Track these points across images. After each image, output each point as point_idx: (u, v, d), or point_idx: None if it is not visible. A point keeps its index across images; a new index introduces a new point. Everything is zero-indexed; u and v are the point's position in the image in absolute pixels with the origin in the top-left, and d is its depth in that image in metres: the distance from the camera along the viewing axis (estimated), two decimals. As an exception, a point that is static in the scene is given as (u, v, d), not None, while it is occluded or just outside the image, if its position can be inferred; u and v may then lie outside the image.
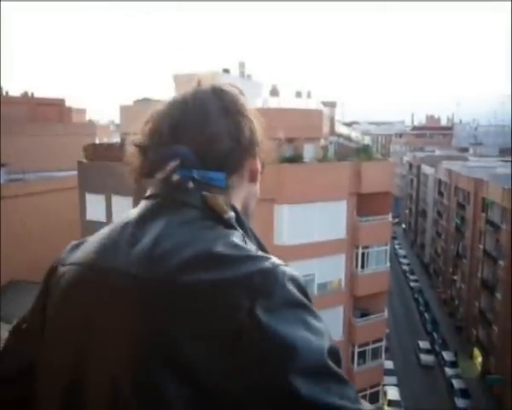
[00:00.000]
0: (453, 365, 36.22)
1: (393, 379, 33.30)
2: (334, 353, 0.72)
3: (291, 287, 0.74)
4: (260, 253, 0.79)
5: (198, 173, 0.85)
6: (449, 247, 48.51)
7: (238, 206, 0.90)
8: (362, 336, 23.04)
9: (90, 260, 0.82)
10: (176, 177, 0.84)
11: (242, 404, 0.67)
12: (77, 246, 0.88)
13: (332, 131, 27.77)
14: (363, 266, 22.92)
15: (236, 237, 0.80)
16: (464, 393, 32.41)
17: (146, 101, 42.40)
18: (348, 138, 30.46)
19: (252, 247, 0.80)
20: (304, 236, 20.12)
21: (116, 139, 39.58)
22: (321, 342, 0.71)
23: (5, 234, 21.95)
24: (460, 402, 31.60)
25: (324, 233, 20.77)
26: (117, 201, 20.08)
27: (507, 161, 46.61)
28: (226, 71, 26.84)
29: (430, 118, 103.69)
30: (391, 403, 30.14)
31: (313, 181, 20.22)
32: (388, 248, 24.49)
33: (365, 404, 0.73)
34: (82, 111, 44.92)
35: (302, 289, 0.76)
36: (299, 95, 31.79)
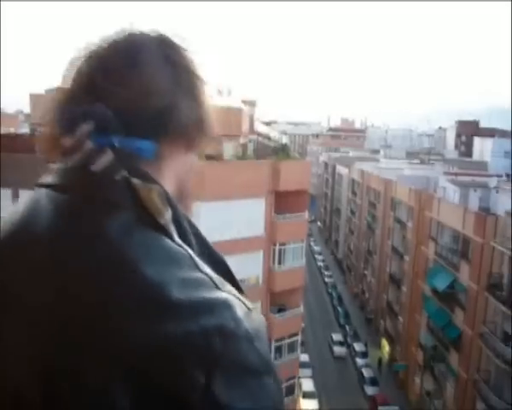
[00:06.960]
0: (363, 355, 38.47)
1: (308, 371, 34.64)
2: None
3: (254, 351, 0.58)
4: (214, 293, 0.60)
5: (120, 141, 0.63)
6: (361, 243, 51.19)
7: (170, 184, 0.69)
8: (279, 332, 23.61)
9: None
10: (88, 145, 0.63)
11: None
12: None
13: (251, 130, 28.13)
14: (280, 263, 23.49)
15: (184, 263, 0.61)
16: (373, 381, 34.62)
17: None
18: (267, 137, 31.08)
19: (202, 273, 0.62)
20: (222, 233, 20.14)
21: (25, 130, 36.95)
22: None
23: None
24: (369, 390, 33.70)
25: (243, 230, 20.98)
26: (25, 195, 18.82)
27: (413, 163, 50.11)
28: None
29: (345, 120, 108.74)
30: (305, 395, 31.35)
31: (232, 179, 20.32)
32: (304, 245, 25.31)
33: None
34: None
35: (264, 345, 0.61)
36: (219, 93, 31.84)
